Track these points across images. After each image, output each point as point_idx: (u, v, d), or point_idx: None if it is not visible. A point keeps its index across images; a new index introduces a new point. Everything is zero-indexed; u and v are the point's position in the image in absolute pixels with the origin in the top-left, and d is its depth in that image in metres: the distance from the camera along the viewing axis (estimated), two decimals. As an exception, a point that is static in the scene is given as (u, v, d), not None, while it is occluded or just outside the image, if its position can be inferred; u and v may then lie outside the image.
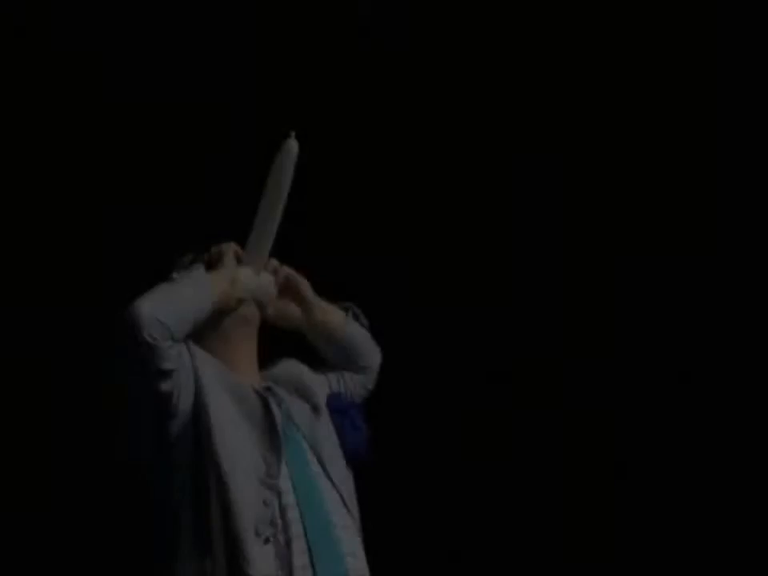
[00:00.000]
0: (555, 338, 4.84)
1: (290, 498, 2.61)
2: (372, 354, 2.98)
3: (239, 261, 2.74)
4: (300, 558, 2.57)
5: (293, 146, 2.70)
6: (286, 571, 2.55)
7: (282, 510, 2.59)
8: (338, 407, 2.82)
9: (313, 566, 2.58)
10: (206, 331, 2.68)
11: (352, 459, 2.80)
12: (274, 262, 2.81)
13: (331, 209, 4.53)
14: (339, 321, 2.90)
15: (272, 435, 2.63)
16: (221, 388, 2.63)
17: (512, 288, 4.79)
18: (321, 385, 2.86)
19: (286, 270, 2.84)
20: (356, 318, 2.96)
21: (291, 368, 2.85)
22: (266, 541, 2.56)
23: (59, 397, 4.40)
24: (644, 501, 4.82)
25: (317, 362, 2.94)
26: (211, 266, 2.73)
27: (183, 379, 2.57)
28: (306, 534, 2.59)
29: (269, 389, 2.73)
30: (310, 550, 2.58)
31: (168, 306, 2.55)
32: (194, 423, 2.59)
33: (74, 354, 4.24)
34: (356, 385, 2.94)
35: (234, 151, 4.60)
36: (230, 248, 2.75)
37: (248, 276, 2.71)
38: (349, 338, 2.91)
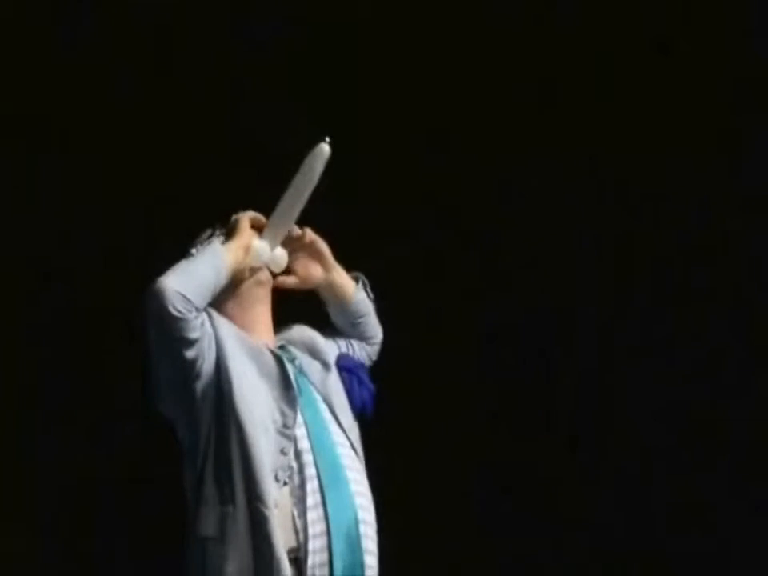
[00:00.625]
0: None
1: (304, 444, 2.92)
2: (376, 326, 3.30)
3: (255, 227, 3.05)
4: (313, 498, 2.87)
5: (325, 149, 3.00)
6: (300, 509, 2.86)
7: (297, 454, 2.90)
8: (346, 366, 3.14)
9: (324, 504, 2.88)
10: (223, 296, 2.98)
11: (359, 414, 3.12)
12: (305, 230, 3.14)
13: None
14: (351, 286, 3.22)
15: (287, 389, 2.94)
16: (239, 349, 2.93)
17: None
18: (330, 346, 3.17)
19: (313, 235, 3.14)
20: (364, 287, 3.27)
21: (303, 331, 3.17)
22: (283, 483, 2.86)
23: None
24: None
25: (327, 331, 3.26)
26: (229, 235, 3.03)
27: (206, 345, 2.88)
28: (318, 476, 2.89)
29: (282, 347, 3.04)
30: (322, 490, 2.88)
31: (189, 281, 2.86)
32: (217, 382, 2.89)
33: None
34: (362, 353, 3.25)
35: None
36: (246, 216, 3.05)
37: (263, 248, 3.02)
38: (356, 304, 3.22)
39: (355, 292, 3.22)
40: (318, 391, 3.04)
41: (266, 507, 2.82)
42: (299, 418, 2.93)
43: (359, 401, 3.12)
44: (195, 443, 2.91)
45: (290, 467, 2.89)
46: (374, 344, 3.29)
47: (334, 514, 2.88)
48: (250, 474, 2.84)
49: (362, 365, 3.20)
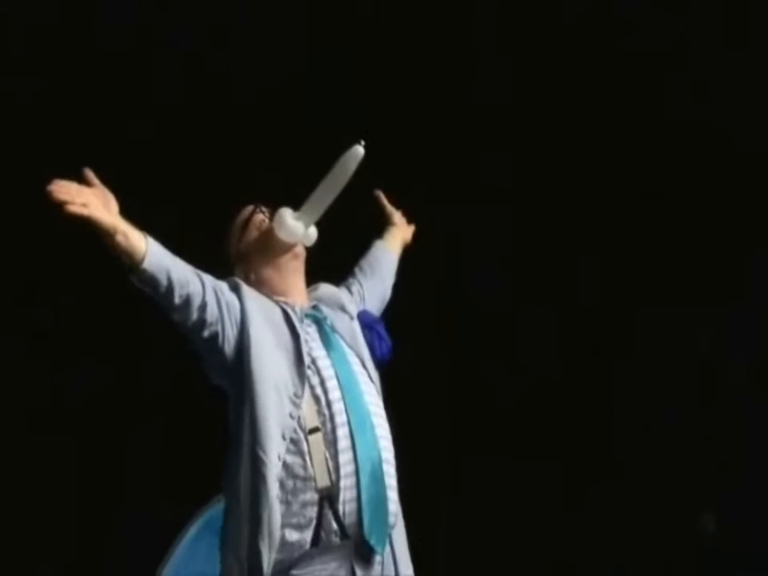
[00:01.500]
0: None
1: (336, 394, 3.27)
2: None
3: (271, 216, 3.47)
4: (344, 442, 3.22)
5: (360, 151, 3.37)
6: (332, 452, 3.21)
7: (329, 404, 3.25)
8: (367, 322, 3.54)
9: (354, 447, 3.22)
10: (264, 266, 3.42)
11: (379, 364, 3.49)
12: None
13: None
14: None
15: (299, 365, 3.29)
16: (263, 322, 3.29)
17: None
18: (351, 301, 3.61)
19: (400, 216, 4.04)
20: None
21: (330, 290, 3.59)
22: (316, 430, 3.22)
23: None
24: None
25: (344, 285, 3.74)
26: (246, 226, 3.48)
27: (226, 319, 3.23)
28: (348, 423, 3.24)
29: (315, 307, 3.44)
30: (351, 435, 3.23)
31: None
32: (239, 347, 3.26)
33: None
34: (376, 298, 3.74)
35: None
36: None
37: (298, 227, 3.42)
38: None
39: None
40: (349, 345, 3.42)
41: (267, 457, 3.17)
42: (330, 371, 3.29)
43: (379, 353, 3.50)
44: (228, 401, 3.30)
45: (321, 413, 3.23)
46: (389, 287, 3.86)
47: (362, 455, 3.22)
48: (256, 429, 3.18)
49: (379, 320, 3.61)
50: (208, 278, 3.25)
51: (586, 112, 5.70)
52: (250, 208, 3.51)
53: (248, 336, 3.24)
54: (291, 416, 3.22)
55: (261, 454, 3.15)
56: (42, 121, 5.30)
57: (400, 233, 4.02)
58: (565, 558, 5.73)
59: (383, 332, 3.52)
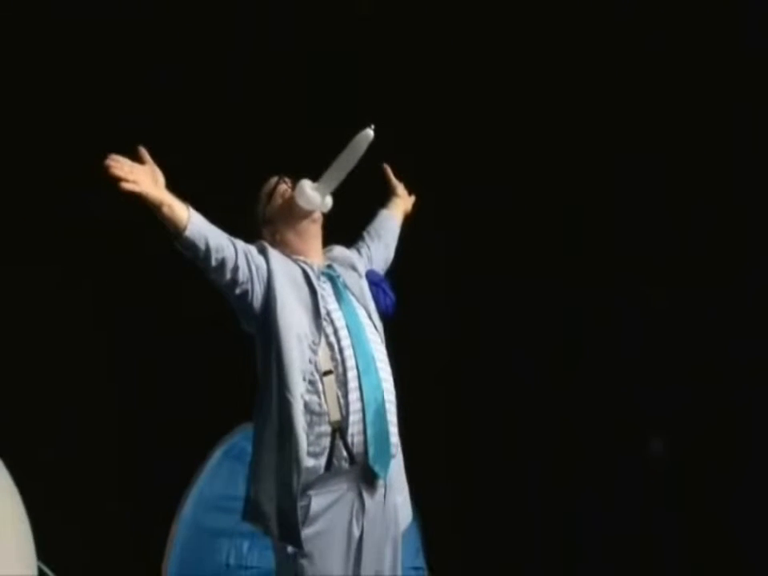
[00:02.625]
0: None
1: (346, 342, 3.80)
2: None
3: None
4: (353, 383, 3.76)
5: (370, 134, 3.86)
6: (343, 392, 3.74)
7: (341, 350, 3.78)
8: (374, 280, 4.10)
9: (361, 388, 3.76)
10: (286, 230, 3.94)
11: (383, 316, 4.03)
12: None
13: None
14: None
15: (317, 318, 3.81)
16: (287, 282, 3.81)
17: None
18: (360, 261, 4.15)
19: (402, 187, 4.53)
20: None
21: (342, 251, 4.14)
22: (329, 372, 3.75)
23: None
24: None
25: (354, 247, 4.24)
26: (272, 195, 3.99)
27: (255, 278, 3.75)
28: (357, 367, 3.78)
29: (330, 266, 3.96)
30: (359, 377, 3.77)
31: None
32: (266, 302, 3.78)
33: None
34: (380, 259, 4.28)
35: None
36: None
37: (316, 196, 3.93)
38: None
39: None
40: (358, 300, 3.95)
41: (293, 397, 3.70)
42: (342, 322, 3.82)
43: (383, 306, 4.04)
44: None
45: (334, 358, 3.77)
46: (392, 250, 4.37)
47: (367, 395, 3.76)
48: (282, 373, 3.71)
49: (384, 279, 4.15)
50: (240, 244, 3.75)
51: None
52: (275, 179, 4.03)
53: (273, 293, 3.76)
54: (310, 361, 3.75)
55: (287, 394, 3.68)
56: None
57: (402, 203, 4.52)
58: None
59: (388, 289, 4.07)
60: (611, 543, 5.94)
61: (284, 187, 4.00)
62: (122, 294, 5.96)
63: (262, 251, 3.84)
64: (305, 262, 3.91)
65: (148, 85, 5.90)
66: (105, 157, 3.46)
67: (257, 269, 3.77)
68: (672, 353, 5.89)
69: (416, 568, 5.19)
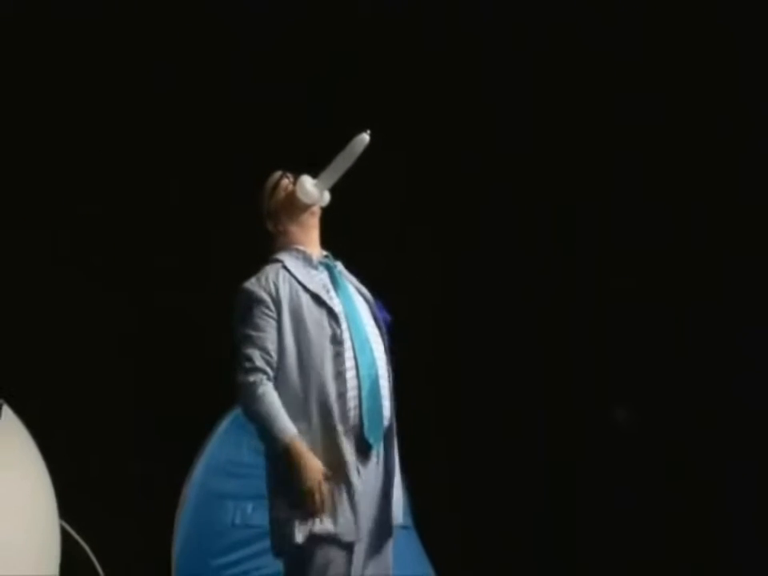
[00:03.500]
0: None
1: (344, 325, 4.12)
2: None
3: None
4: (349, 362, 4.07)
5: (365, 138, 4.22)
6: (342, 369, 4.06)
7: (340, 333, 4.10)
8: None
9: (357, 366, 4.09)
10: (289, 222, 4.27)
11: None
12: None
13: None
14: None
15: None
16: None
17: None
18: None
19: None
20: None
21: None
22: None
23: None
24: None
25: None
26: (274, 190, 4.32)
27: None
28: (353, 347, 4.10)
29: (327, 256, 4.30)
30: (355, 356, 4.10)
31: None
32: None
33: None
34: None
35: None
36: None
37: (314, 192, 4.29)
38: None
39: None
40: (354, 286, 4.28)
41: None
42: (340, 308, 4.14)
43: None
44: None
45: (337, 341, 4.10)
46: None
47: (362, 372, 4.09)
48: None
49: (381, 304, 4.48)
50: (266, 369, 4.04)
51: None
52: (278, 174, 4.38)
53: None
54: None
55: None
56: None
57: None
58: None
59: (384, 311, 4.37)
60: (609, 524, 6.19)
61: (286, 182, 4.33)
62: (142, 257, 6.28)
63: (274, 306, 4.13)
64: (304, 252, 4.24)
65: (147, 84, 6.20)
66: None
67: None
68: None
69: (403, 527, 5.39)
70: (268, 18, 6.21)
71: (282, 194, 4.33)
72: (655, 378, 6.19)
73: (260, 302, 4.09)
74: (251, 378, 3.99)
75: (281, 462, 3.97)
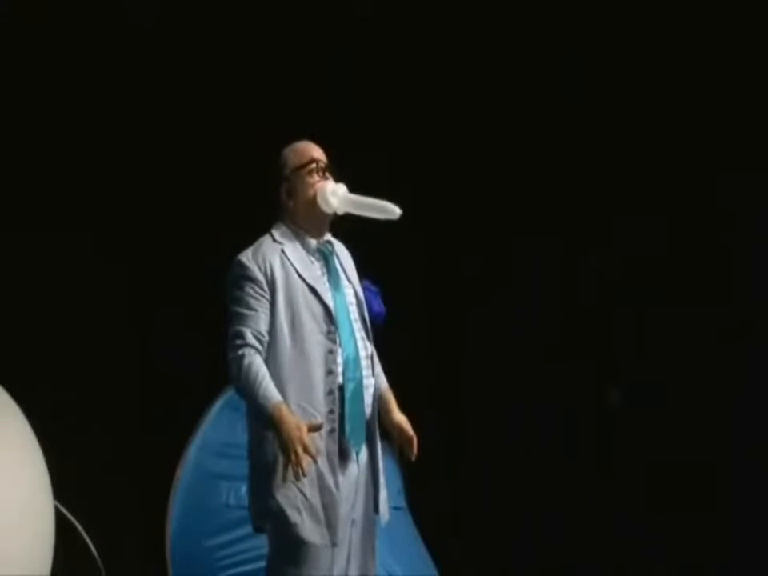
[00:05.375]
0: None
1: (331, 305, 4.16)
2: None
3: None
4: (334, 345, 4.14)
5: (397, 212, 4.20)
6: (332, 350, 4.12)
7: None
8: (369, 287, 4.50)
9: (341, 345, 4.14)
10: (301, 205, 4.21)
11: (372, 322, 4.37)
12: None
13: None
14: None
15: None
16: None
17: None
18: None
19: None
20: None
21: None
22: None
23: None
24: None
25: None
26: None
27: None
28: (337, 330, 4.15)
29: (329, 242, 4.29)
30: (339, 337, 4.14)
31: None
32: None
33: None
34: None
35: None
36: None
37: (332, 205, 4.21)
38: None
39: None
40: (344, 272, 4.29)
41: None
42: (332, 303, 4.15)
43: (374, 312, 4.48)
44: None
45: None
46: None
47: (346, 351, 4.12)
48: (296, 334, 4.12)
49: (379, 291, 4.78)
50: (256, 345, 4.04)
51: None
52: (313, 155, 4.27)
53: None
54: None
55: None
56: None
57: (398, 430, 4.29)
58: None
59: (380, 300, 4.46)
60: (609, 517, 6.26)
61: (316, 178, 4.23)
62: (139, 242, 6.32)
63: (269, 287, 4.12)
64: (303, 238, 4.21)
65: (148, 83, 6.25)
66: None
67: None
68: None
69: (396, 508, 5.42)
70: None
71: (308, 181, 4.24)
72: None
73: (254, 280, 4.08)
74: (240, 352, 3.99)
75: (264, 442, 4.00)
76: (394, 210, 4.21)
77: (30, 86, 6.11)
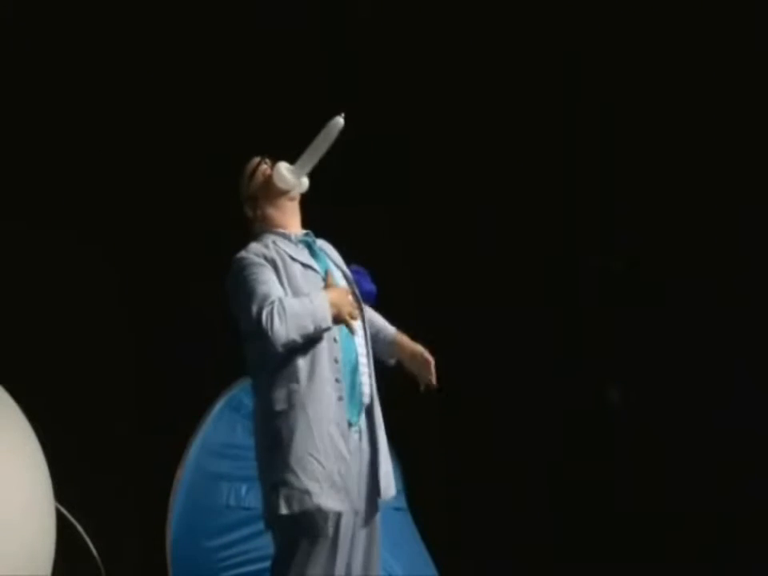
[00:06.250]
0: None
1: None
2: None
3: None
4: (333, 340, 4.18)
5: (340, 121, 4.26)
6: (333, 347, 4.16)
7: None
8: (357, 270, 4.53)
9: (337, 341, 4.17)
10: (267, 206, 4.32)
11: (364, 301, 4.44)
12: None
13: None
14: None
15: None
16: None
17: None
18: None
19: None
20: None
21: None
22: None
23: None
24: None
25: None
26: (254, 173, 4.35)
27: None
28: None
29: (307, 234, 4.36)
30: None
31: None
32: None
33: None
34: None
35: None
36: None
37: (290, 178, 4.32)
38: None
39: None
40: (333, 261, 4.37)
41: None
42: (320, 269, 4.25)
43: (365, 291, 4.45)
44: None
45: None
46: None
47: (343, 347, 4.17)
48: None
49: (367, 272, 4.76)
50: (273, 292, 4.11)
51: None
52: (257, 159, 4.43)
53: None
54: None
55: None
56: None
57: (412, 361, 4.47)
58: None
59: (369, 280, 4.45)
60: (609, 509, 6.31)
61: (264, 167, 4.38)
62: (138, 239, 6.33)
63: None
64: (284, 233, 4.29)
65: (148, 83, 6.31)
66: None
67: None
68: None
69: (396, 508, 5.49)
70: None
71: (260, 178, 4.38)
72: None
73: (258, 264, 4.16)
74: (271, 307, 4.04)
75: (275, 417, 4.02)
76: (336, 124, 4.26)
77: (29, 88, 6.17)
